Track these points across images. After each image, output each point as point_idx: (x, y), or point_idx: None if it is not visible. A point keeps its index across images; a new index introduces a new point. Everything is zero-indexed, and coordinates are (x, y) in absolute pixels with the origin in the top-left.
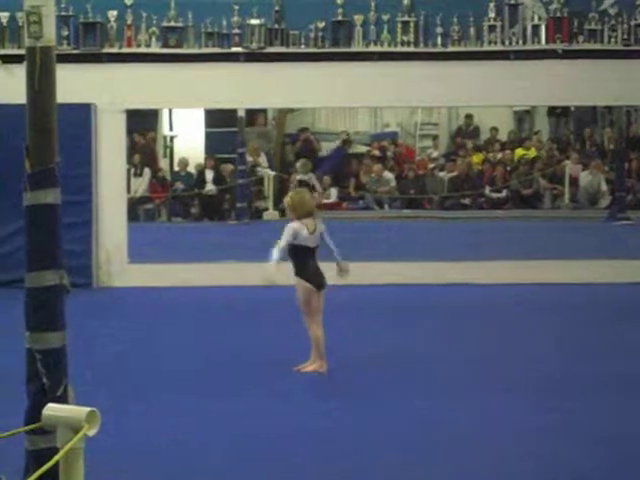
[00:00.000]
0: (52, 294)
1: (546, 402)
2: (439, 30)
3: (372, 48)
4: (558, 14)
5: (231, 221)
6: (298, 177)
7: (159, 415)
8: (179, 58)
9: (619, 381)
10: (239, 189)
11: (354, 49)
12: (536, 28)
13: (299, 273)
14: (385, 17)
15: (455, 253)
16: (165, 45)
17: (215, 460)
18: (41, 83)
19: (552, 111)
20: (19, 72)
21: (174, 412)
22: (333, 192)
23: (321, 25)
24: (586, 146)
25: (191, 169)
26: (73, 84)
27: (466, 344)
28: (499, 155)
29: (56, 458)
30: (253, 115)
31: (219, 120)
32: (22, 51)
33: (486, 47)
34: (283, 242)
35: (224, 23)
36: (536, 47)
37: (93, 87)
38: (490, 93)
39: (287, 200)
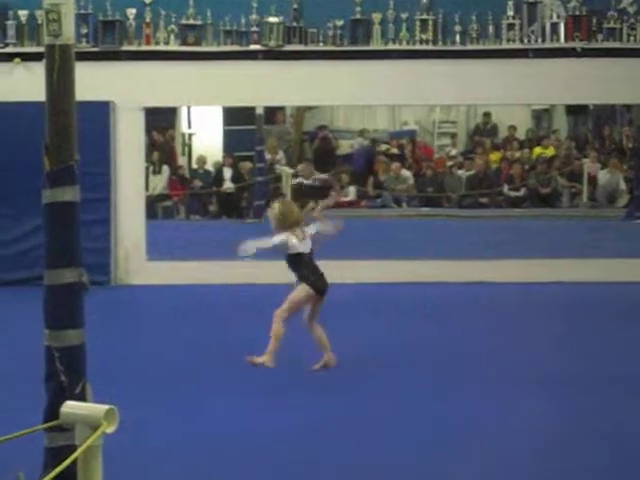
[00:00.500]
0: (71, 292)
1: (561, 399)
2: (458, 28)
3: (390, 46)
4: (577, 12)
5: (249, 219)
6: (297, 181)
7: (177, 412)
8: (198, 56)
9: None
10: (257, 187)
11: (372, 47)
12: (555, 26)
13: (303, 279)
14: (404, 15)
15: (473, 251)
16: (184, 43)
17: (233, 457)
18: (60, 81)
19: (570, 109)
20: (38, 70)
21: (192, 409)
22: (352, 190)
23: (339, 23)
24: (605, 144)
25: (209, 167)
26: (92, 82)
27: (482, 341)
28: (517, 153)
29: (75, 455)
30: (271, 113)
31: (237, 118)
32: (41, 49)
33: (505, 45)
34: (268, 243)
35: (242, 21)
36: (555, 45)
37: (112, 85)
38: (508, 91)
39: (273, 211)
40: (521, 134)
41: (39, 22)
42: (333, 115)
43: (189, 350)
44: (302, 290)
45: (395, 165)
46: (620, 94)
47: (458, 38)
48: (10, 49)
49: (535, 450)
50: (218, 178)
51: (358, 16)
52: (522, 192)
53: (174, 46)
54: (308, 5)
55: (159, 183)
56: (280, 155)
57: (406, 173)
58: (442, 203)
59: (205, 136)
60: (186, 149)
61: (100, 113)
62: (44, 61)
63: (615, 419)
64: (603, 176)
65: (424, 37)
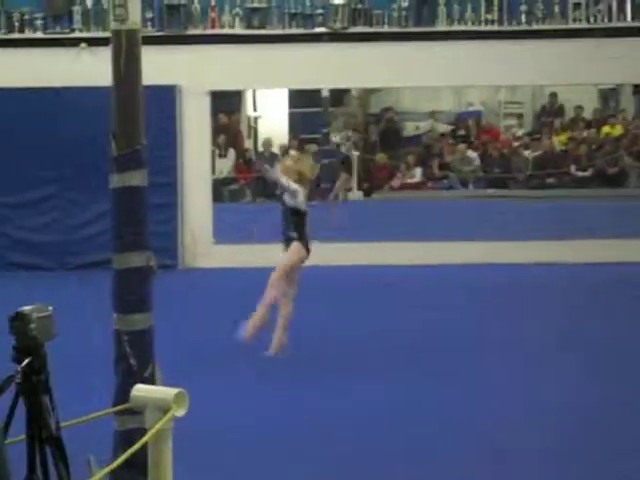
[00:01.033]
0: (139, 276)
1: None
2: (523, 8)
3: (456, 27)
4: None
5: (315, 201)
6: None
7: (244, 396)
8: (263, 39)
9: None
10: (323, 169)
11: (438, 28)
12: (622, 5)
13: (300, 238)
14: None
15: (540, 232)
16: (249, 26)
17: (298, 440)
18: (126, 67)
19: (638, 88)
20: (104, 55)
21: (259, 394)
22: (417, 171)
23: (404, 4)
24: None
25: (275, 150)
26: (158, 66)
27: (548, 324)
28: (584, 133)
29: (145, 439)
30: (337, 95)
31: (303, 100)
32: (107, 34)
33: (571, 25)
34: (281, 179)
35: (307, 3)
36: (621, 24)
37: (178, 69)
38: (575, 71)
39: (293, 163)
40: (588, 114)
41: (105, 7)
42: (398, 97)
43: (257, 332)
44: (296, 253)
45: (461, 146)
46: None
47: (524, 18)
48: (76, 34)
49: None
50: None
51: None
52: (589, 172)
53: (239, 29)
54: None
55: (225, 166)
56: (346, 137)
57: (472, 154)
58: (508, 184)
59: (271, 119)
60: (252, 132)
61: (166, 97)
62: (110, 46)
63: None
64: None
65: (489, 17)
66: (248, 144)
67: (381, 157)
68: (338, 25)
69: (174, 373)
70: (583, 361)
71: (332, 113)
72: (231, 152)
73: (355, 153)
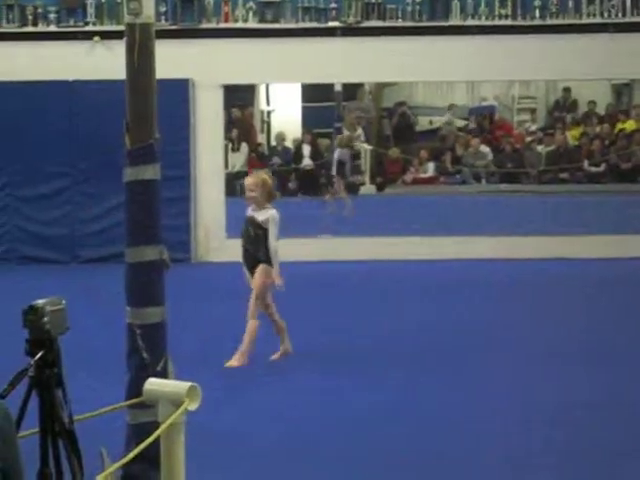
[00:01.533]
0: (152, 269)
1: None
2: (537, 3)
3: (469, 22)
4: None
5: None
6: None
7: (254, 391)
8: (276, 33)
9: None
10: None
11: (451, 23)
12: (636, 0)
13: (266, 259)
14: None
15: (554, 227)
16: (262, 20)
17: (311, 436)
18: (140, 60)
19: None
20: (118, 48)
21: (270, 388)
22: (430, 166)
23: None
24: None
25: (288, 144)
26: (171, 60)
27: (565, 319)
28: (597, 129)
29: (157, 432)
30: (350, 89)
31: (316, 94)
32: (121, 27)
33: (585, 20)
34: (277, 246)
35: None
36: (635, 19)
37: (191, 63)
38: (589, 66)
39: (263, 181)
40: (601, 109)
41: (118, 0)
42: (412, 91)
43: (269, 326)
44: (267, 275)
45: (474, 141)
46: None
47: (537, 13)
48: (90, 27)
49: None
50: (297, 155)
51: None
52: (602, 167)
53: (252, 23)
54: None
55: (238, 160)
56: (359, 131)
57: (485, 149)
58: (521, 179)
59: (284, 113)
60: (265, 126)
61: (179, 91)
62: (124, 40)
63: None
64: None
65: (503, 12)
66: (261, 138)
67: (394, 151)
68: (351, 19)
69: (186, 367)
70: (586, 360)
71: (345, 107)
72: (244, 146)
73: (368, 147)
